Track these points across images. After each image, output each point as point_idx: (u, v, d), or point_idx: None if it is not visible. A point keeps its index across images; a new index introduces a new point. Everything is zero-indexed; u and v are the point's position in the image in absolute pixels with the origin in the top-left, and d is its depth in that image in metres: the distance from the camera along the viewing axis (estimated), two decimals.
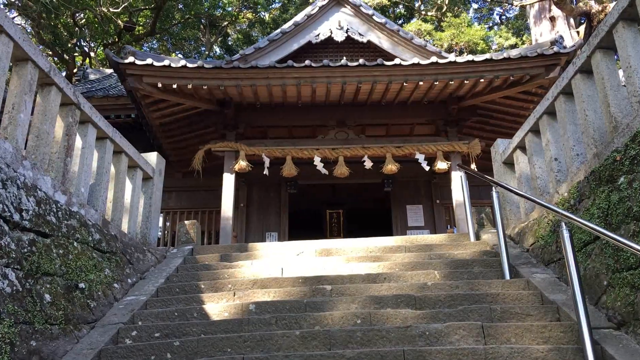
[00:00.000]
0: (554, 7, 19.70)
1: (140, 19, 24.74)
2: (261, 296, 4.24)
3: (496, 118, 10.42)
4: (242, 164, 9.33)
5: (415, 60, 8.78)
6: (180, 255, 5.52)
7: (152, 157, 6.20)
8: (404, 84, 8.77)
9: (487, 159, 10.81)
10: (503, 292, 4.01)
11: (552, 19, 20.36)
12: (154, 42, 27.77)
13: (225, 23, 26.76)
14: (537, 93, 9.52)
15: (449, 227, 11.74)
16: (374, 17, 11.73)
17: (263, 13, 27.05)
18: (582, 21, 21.33)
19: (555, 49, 8.69)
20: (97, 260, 4.36)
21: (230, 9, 26.30)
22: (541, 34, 20.25)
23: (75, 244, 4.15)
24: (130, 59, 8.47)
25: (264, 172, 9.34)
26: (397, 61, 8.71)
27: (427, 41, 13.12)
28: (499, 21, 29.34)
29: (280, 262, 5.11)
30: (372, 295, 4.10)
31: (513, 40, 25.01)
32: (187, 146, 10.70)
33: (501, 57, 8.72)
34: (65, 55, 24.06)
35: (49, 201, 4.02)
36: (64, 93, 4.54)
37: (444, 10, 25.64)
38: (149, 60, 8.46)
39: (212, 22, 26.28)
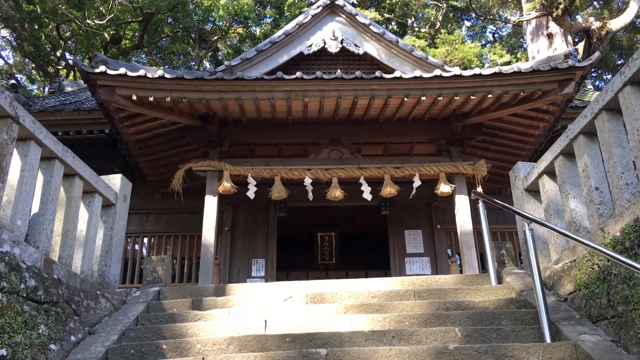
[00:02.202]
0: (551, 24, 19.17)
1: (127, 32, 23.99)
2: None
3: (502, 137, 9.61)
4: (226, 185, 8.45)
5: (417, 73, 7.98)
6: (143, 300, 4.57)
7: (116, 180, 5.27)
8: (405, 98, 7.95)
9: (492, 181, 10.02)
10: None
11: (550, 36, 19.82)
12: (143, 55, 27.02)
13: (216, 38, 26.16)
14: (549, 110, 8.76)
15: (450, 254, 10.89)
16: (371, 27, 10.95)
17: (254, 28, 26.44)
18: (577, 39, 20.88)
19: (570, 62, 7.92)
20: (30, 314, 3.42)
21: (220, 23, 25.70)
22: (538, 50, 19.69)
23: None
24: (102, 68, 7.58)
25: (250, 196, 8.46)
26: (397, 74, 7.90)
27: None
28: (492, 39, 28.94)
29: (264, 312, 4.20)
30: None
31: (507, 57, 24.58)
32: (167, 164, 9.77)
33: (511, 70, 7.92)
34: (48, 68, 23.12)
35: None
36: None
37: (437, 27, 25.20)
38: (122, 70, 7.58)
39: (202, 36, 25.65)
